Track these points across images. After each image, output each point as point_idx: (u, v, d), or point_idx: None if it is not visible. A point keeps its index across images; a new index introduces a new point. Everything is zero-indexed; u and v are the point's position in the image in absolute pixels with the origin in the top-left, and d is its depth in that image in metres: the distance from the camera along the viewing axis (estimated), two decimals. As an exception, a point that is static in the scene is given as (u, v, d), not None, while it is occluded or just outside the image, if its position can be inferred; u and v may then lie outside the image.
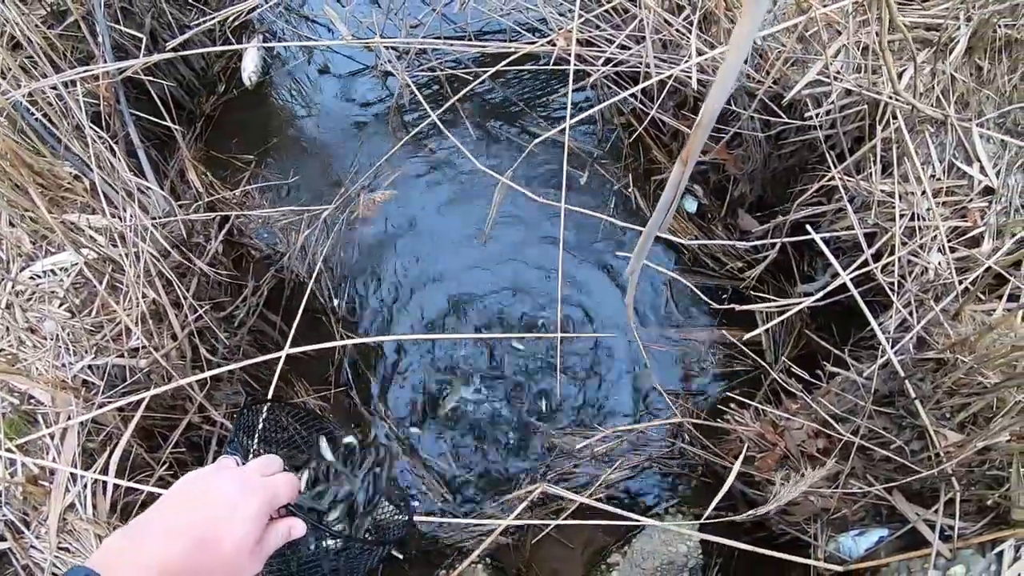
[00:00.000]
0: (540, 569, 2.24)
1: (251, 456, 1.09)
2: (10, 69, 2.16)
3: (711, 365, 2.45)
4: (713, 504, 1.69)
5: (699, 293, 1.96)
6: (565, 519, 2.22)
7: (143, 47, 2.38)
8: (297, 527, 0.97)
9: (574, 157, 2.66)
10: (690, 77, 1.93)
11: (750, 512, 1.99)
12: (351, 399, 2.42)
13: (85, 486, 1.80)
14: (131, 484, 1.78)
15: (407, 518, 1.29)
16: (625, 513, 1.78)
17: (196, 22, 2.44)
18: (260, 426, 1.24)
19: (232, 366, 1.83)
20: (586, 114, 1.89)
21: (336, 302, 2.51)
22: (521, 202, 1.99)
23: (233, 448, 1.05)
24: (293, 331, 1.82)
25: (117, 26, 2.47)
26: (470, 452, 2.36)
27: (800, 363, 2.12)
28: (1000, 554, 1.69)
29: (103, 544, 0.82)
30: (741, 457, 1.90)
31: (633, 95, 2.19)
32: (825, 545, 1.99)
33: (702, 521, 1.81)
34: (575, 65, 1.98)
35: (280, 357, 1.69)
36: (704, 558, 2.18)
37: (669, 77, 1.98)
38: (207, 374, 1.88)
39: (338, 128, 2.82)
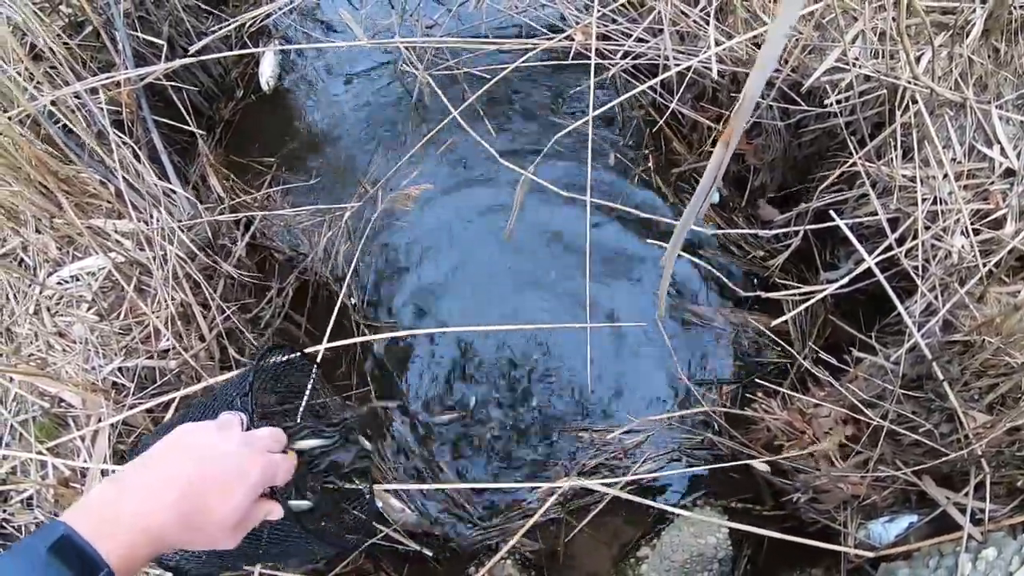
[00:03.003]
0: (570, 563, 2.24)
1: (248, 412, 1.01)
2: (32, 77, 2.19)
3: (738, 354, 2.45)
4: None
5: (726, 280, 1.97)
6: (595, 513, 2.23)
7: (163, 54, 2.41)
8: (275, 512, 0.92)
9: (596, 149, 2.69)
10: (709, 68, 1.94)
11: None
12: (373, 398, 2.42)
13: (117, 487, 1.80)
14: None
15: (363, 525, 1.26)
16: (656, 504, 1.78)
17: (214, 28, 2.47)
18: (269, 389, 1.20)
19: (258, 363, 1.84)
20: (606, 107, 1.90)
21: (357, 301, 2.52)
22: (545, 195, 2.00)
23: (244, 403, 0.99)
24: (328, 331, 1.83)
25: (135, 34, 2.49)
26: (498, 448, 2.36)
27: (827, 352, 2.13)
28: (1032, 536, 1.68)
29: (92, 495, 0.77)
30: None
31: (652, 88, 2.20)
32: (855, 532, 1.98)
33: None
34: (595, 60, 1.99)
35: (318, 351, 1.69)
36: (734, 549, 2.18)
37: (688, 69, 1.99)
38: (235, 373, 1.90)
39: (357, 129, 2.83)
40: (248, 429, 0.95)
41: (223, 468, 0.83)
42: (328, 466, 1.19)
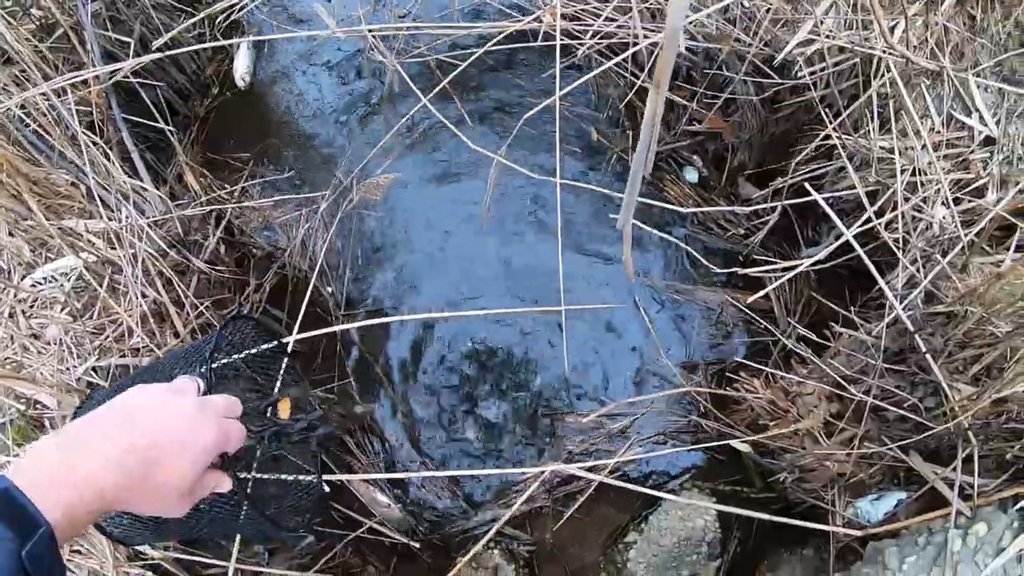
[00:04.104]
0: (559, 551, 2.22)
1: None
2: (1, 81, 2.17)
3: (722, 334, 2.43)
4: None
5: (702, 260, 1.94)
6: (583, 500, 2.21)
7: (132, 52, 2.39)
8: (224, 483, 0.90)
9: (573, 129, 2.68)
10: (677, 43, 1.91)
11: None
12: (353, 391, 2.41)
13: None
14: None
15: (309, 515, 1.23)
16: (642, 489, 1.75)
17: (183, 22, 2.45)
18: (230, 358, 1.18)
19: (236, 356, 1.83)
20: (575, 84, 1.88)
21: (333, 290, 2.50)
22: (521, 177, 1.97)
23: (204, 369, 0.97)
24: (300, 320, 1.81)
25: (106, 33, 2.48)
26: (479, 436, 2.34)
27: (812, 330, 2.11)
28: (1022, 510, 1.65)
29: (36, 449, 0.74)
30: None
31: (624, 67, 2.17)
32: (843, 511, 1.96)
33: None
34: (563, 40, 1.97)
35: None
36: (722, 532, 2.16)
37: (654, 45, 1.97)
38: (212, 365, 1.88)
39: (332, 121, 2.82)
40: (204, 395, 0.92)
41: (175, 431, 0.81)
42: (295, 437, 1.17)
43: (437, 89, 2.11)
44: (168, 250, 2.09)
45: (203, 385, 0.92)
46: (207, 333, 2.13)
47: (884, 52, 1.95)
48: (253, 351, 1.28)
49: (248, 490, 1.08)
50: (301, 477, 1.21)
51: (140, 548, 1.85)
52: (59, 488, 0.70)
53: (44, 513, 0.67)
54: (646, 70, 2.15)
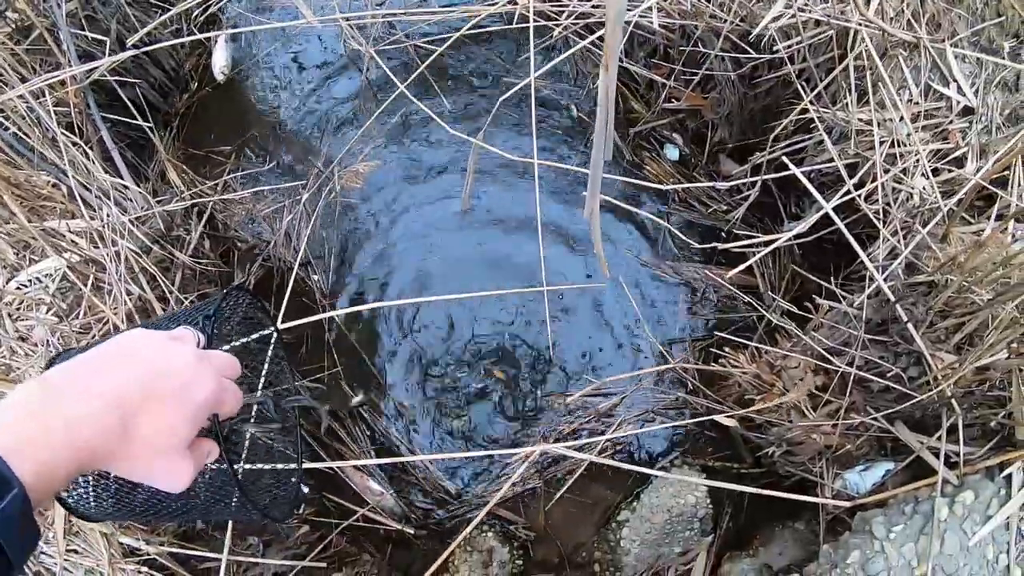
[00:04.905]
0: (552, 531, 2.24)
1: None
2: (-24, 85, 2.17)
3: (706, 310, 2.43)
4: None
5: (684, 237, 1.94)
6: (575, 480, 2.22)
7: (107, 50, 2.38)
8: (214, 452, 0.82)
9: (554, 109, 2.67)
10: (651, 21, 1.91)
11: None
12: (339, 379, 2.41)
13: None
14: (130, 481, 1.78)
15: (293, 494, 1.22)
16: (633, 467, 1.77)
17: (158, 17, 2.44)
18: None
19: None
20: (549, 65, 1.88)
21: (319, 278, 2.51)
22: (503, 161, 1.95)
23: (205, 322, 0.91)
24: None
25: (82, 32, 2.46)
26: (467, 419, 2.35)
27: (796, 305, 2.11)
28: (1008, 477, 1.65)
29: (13, 398, 0.65)
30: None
31: (601, 46, 2.15)
32: (832, 483, 1.97)
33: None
34: (538, 21, 1.97)
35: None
36: (713, 508, 2.17)
37: (627, 22, 1.97)
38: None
39: (312, 111, 2.81)
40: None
41: (175, 376, 0.73)
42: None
43: (414, 75, 2.11)
44: (152, 246, 2.09)
45: (203, 339, 0.86)
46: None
47: (860, 24, 1.94)
48: (246, 339, 1.28)
49: (239, 477, 1.08)
50: (287, 465, 1.22)
51: (135, 544, 1.86)
52: (37, 446, 0.62)
53: (18, 474, 0.60)
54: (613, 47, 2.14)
